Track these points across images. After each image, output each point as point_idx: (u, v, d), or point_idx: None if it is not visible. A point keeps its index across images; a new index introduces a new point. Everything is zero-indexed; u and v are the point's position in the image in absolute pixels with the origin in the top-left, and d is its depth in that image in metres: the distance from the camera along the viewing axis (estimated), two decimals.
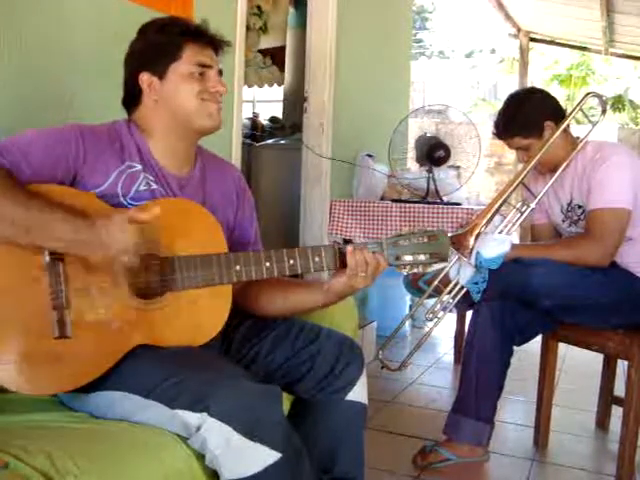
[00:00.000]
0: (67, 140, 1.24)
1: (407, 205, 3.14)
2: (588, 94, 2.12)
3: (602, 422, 2.42)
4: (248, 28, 3.55)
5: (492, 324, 2.00)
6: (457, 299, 2.00)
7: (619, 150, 2.03)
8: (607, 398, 2.40)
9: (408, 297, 3.74)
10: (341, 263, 1.30)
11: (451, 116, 4.22)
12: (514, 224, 2.01)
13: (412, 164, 3.46)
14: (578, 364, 3.03)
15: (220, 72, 1.38)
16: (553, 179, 2.06)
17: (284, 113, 4.48)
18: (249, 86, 4.57)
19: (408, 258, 1.31)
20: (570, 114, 2.06)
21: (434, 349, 3.55)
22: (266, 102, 6.00)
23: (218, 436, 1.07)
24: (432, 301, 2.13)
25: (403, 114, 3.61)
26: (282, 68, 4.43)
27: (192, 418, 1.09)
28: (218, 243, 1.30)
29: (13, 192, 1.11)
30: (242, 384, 1.12)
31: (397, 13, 4.45)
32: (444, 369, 3.22)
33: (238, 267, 1.26)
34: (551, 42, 7.86)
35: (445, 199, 3.22)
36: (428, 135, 3.21)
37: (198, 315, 1.27)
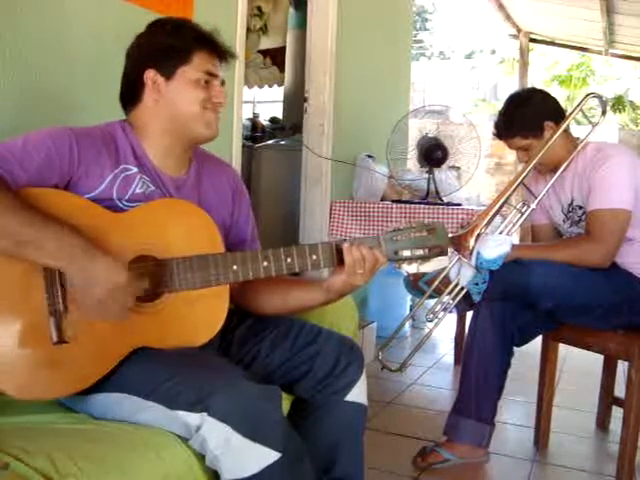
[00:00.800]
0: (61, 144, 1.22)
1: (407, 206, 3.14)
2: (589, 95, 2.12)
3: (602, 423, 2.42)
4: (248, 29, 3.55)
5: (492, 325, 2.00)
6: (457, 300, 2.00)
7: (619, 151, 2.03)
8: (607, 399, 2.40)
9: (408, 298, 3.74)
10: (339, 260, 1.28)
11: (451, 117, 4.21)
12: (514, 225, 2.01)
13: (412, 165, 3.46)
14: (578, 365, 3.03)
15: (222, 82, 1.38)
16: (553, 179, 2.06)
17: (284, 114, 4.48)
18: (249, 87, 4.56)
19: (406, 253, 1.29)
20: (570, 114, 2.06)
21: (434, 350, 3.55)
22: (266, 103, 6.00)
23: (218, 436, 1.07)
24: (432, 302, 2.12)
25: (403, 115, 3.60)
26: (282, 69, 4.42)
27: (192, 418, 1.09)
28: (215, 243, 1.29)
29: (6, 203, 1.08)
30: (242, 384, 1.12)
31: (397, 14, 4.45)
32: (444, 370, 3.21)
33: (235, 267, 1.25)
34: (551, 43, 7.87)
35: (445, 200, 3.22)
36: (430, 136, 3.20)
37: (196, 316, 1.26)
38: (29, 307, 1.12)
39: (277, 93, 4.82)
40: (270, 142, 3.97)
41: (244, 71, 2.65)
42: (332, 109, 3.32)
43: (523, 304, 1.98)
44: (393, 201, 3.29)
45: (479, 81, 18.77)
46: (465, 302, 2.02)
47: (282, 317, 1.44)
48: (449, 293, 2.01)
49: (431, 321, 2.02)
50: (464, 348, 2.12)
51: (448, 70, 19.26)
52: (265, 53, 4.49)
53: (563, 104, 2.22)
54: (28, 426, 1.13)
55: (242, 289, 1.42)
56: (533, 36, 7.57)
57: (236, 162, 2.56)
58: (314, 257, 1.28)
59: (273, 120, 4.61)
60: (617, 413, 2.26)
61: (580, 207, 2.06)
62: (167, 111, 1.32)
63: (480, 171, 6.22)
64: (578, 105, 2.08)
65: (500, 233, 1.98)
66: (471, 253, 1.85)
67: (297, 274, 1.33)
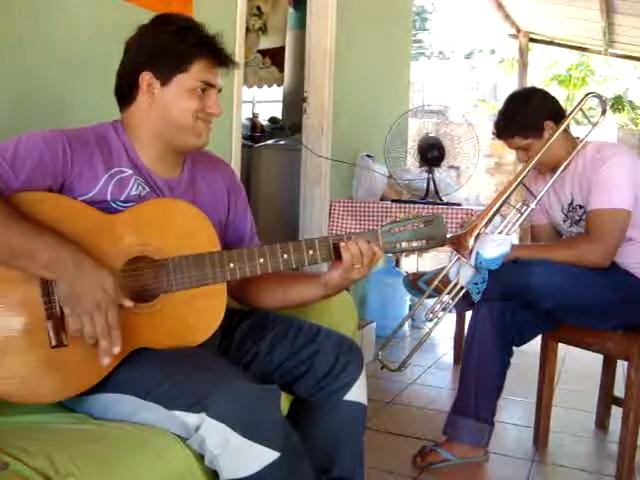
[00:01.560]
0: (55, 147, 1.21)
1: (407, 206, 3.14)
2: (588, 94, 2.12)
3: (602, 422, 2.42)
4: (248, 29, 3.55)
5: (492, 324, 2.00)
6: (457, 299, 2.00)
7: (619, 150, 2.03)
8: (607, 398, 2.40)
9: (408, 297, 3.74)
10: (337, 255, 1.28)
11: (450, 116, 4.21)
12: (514, 224, 2.01)
13: (412, 164, 3.45)
14: (578, 364, 3.03)
15: (220, 90, 1.37)
16: (553, 179, 2.06)
17: (284, 113, 4.47)
18: (249, 87, 4.57)
19: (404, 245, 1.29)
20: (570, 114, 2.06)
21: (434, 349, 3.55)
22: (266, 102, 5.99)
23: (217, 436, 1.07)
24: (432, 301, 2.13)
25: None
26: (282, 68, 4.42)
27: (191, 419, 1.09)
28: (211, 241, 1.28)
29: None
30: (241, 384, 1.12)
31: (397, 13, 4.45)
32: (444, 369, 3.22)
33: (232, 265, 1.25)
34: (550, 42, 7.87)
35: (445, 199, 3.21)
36: (430, 135, 3.20)
37: (194, 315, 1.26)
38: (27, 311, 1.12)
39: (276, 93, 4.82)
40: (269, 142, 3.97)
41: (243, 71, 2.64)
42: (331, 109, 3.32)
43: (523, 304, 1.98)
44: (393, 201, 3.29)
45: (478, 81, 18.75)
46: (464, 302, 2.03)
47: (281, 317, 1.45)
48: (448, 293, 2.01)
49: (430, 321, 2.02)
50: (463, 348, 2.12)
51: (447, 70, 19.24)
52: (264, 53, 4.50)
53: (562, 104, 2.22)
54: (28, 426, 1.13)
55: (243, 285, 1.42)
56: (532, 36, 7.57)
57: (235, 162, 2.56)
58: (311, 252, 1.28)
59: (272, 120, 4.61)
60: (617, 413, 2.26)
61: (581, 206, 2.06)
62: (160, 115, 1.31)
63: (480, 171, 6.22)
64: (578, 105, 2.08)
65: (500, 233, 1.98)
66: (470, 253, 1.85)
67: (296, 269, 1.33)
